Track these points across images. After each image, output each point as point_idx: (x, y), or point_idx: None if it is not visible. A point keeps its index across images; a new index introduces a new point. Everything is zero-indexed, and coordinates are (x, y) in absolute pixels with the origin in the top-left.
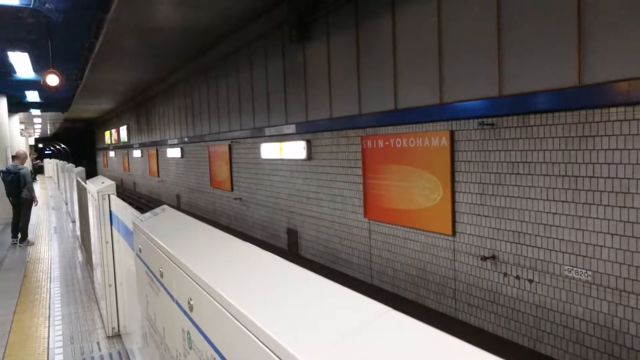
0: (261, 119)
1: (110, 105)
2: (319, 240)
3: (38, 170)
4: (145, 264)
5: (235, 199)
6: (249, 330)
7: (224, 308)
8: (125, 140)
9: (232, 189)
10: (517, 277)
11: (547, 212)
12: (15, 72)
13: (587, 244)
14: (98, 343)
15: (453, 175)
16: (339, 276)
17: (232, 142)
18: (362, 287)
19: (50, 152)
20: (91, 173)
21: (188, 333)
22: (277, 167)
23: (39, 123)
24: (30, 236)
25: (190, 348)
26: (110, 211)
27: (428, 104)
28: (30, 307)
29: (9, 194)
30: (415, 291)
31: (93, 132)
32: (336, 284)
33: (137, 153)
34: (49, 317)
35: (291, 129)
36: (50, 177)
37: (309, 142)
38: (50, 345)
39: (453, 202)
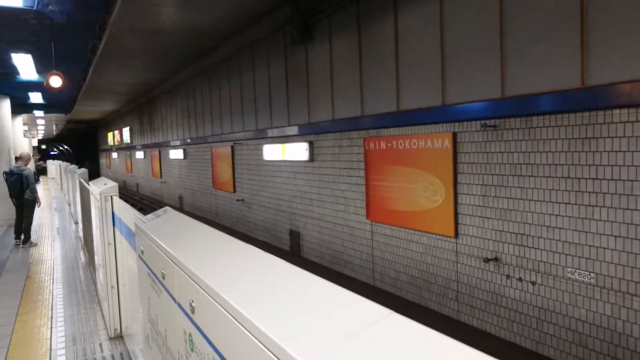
0: (263, 121)
1: (113, 107)
2: (322, 241)
3: (41, 171)
4: (147, 266)
5: (237, 200)
6: (251, 333)
7: (225, 310)
8: (128, 141)
9: (234, 191)
10: (520, 279)
11: (550, 214)
12: (18, 74)
13: (590, 246)
14: (100, 344)
15: (455, 177)
16: (341, 278)
17: (234, 143)
18: (364, 289)
19: (56, 153)
20: (94, 174)
21: (190, 335)
22: (280, 169)
23: (42, 124)
24: (33, 237)
25: (192, 350)
26: (112, 212)
27: (430, 106)
28: (32, 308)
29: (12, 195)
30: (417, 293)
31: (96, 134)
32: (338, 287)
33: (139, 154)
34: (52, 318)
35: (293, 130)
36: (54, 178)
37: (311, 144)
38: (53, 347)
39: (455, 203)
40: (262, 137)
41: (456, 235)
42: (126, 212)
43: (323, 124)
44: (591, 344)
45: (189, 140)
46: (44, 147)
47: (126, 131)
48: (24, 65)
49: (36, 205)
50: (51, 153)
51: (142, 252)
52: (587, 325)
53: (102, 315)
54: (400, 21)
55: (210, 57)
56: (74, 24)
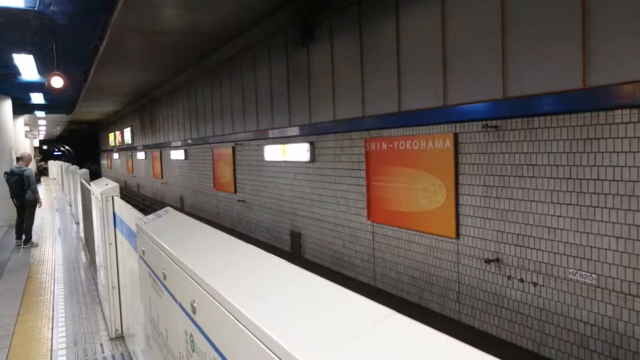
0: (265, 121)
1: (114, 108)
2: (323, 242)
3: (42, 172)
4: (149, 266)
5: (238, 201)
6: (252, 333)
7: (226, 310)
8: (129, 142)
9: (235, 191)
10: (521, 280)
11: (552, 215)
12: (20, 74)
13: (591, 247)
14: (101, 345)
15: (457, 178)
16: (342, 279)
17: (235, 144)
18: (366, 290)
19: (60, 153)
20: (95, 175)
21: (191, 335)
22: (281, 169)
23: (44, 125)
24: (34, 238)
25: (193, 351)
26: (113, 213)
27: (432, 106)
28: (33, 309)
29: (13, 196)
30: (418, 294)
31: (97, 134)
32: (339, 287)
33: (141, 155)
34: (53, 318)
35: (295, 131)
36: (55, 178)
37: (312, 144)
38: (54, 347)
39: (457, 204)
40: (263, 137)
41: (457, 236)
42: (127, 212)
43: (324, 125)
44: (592, 345)
45: (190, 141)
46: (45, 147)
47: (127, 132)
48: (26, 65)
49: (37, 206)
50: (55, 153)
51: (143, 252)
52: (588, 327)
53: (103, 315)
54: (402, 22)
55: (211, 57)
56: (75, 24)
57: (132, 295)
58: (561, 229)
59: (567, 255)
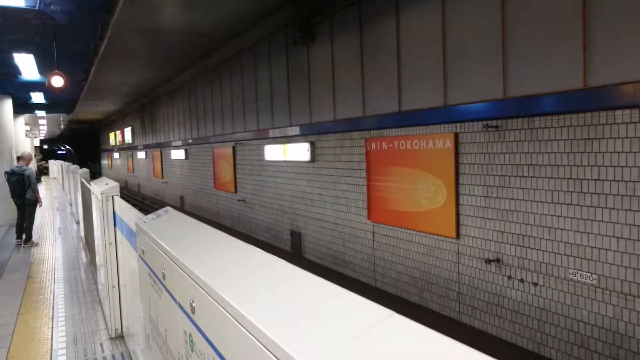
0: (265, 121)
1: (115, 107)
2: (323, 242)
3: (43, 171)
4: (148, 266)
5: (239, 200)
6: (251, 333)
7: (225, 310)
8: (130, 141)
9: (235, 191)
10: (522, 280)
11: (552, 215)
12: (20, 74)
13: (592, 247)
14: (101, 344)
15: (457, 178)
16: (342, 278)
17: (236, 143)
18: (366, 290)
19: (64, 152)
20: (96, 174)
21: (190, 335)
22: (281, 169)
23: (44, 124)
24: (34, 237)
25: (192, 350)
26: (114, 212)
27: (432, 106)
28: (34, 308)
29: (13, 195)
30: (418, 294)
31: (98, 134)
32: (339, 287)
33: (141, 154)
34: (53, 318)
35: (295, 130)
36: (55, 178)
37: (312, 144)
38: (54, 347)
39: (457, 204)
40: (264, 137)
41: (458, 236)
42: (127, 211)
43: (324, 125)
44: (593, 345)
45: (190, 141)
46: (45, 147)
47: (128, 131)
48: (26, 65)
49: (37, 205)
50: (58, 152)
51: (143, 252)
52: (588, 327)
53: (103, 315)
54: (402, 22)
55: (212, 57)
56: (75, 24)
57: (132, 294)
58: (561, 229)
59: (568, 256)
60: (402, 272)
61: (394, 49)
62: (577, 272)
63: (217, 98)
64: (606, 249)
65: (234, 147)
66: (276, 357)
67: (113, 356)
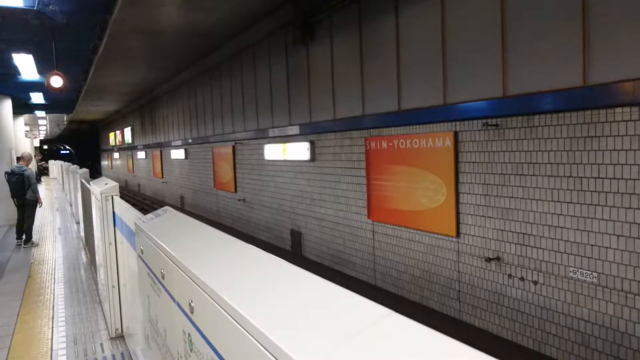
0: (265, 120)
1: (114, 107)
2: (323, 241)
3: (43, 171)
4: (147, 265)
5: (239, 200)
6: (249, 333)
7: (224, 310)
8: (130, 141)
9: (235, 190)
10: (522, 279)
11: (552, 213)
12: (19, 74)
13: (592, 245)
14: (101, 344)
15: (457, 176)
16: (342, 277)
17: (235, 143)
18: (366, 289)
19: (67, 152)
20: (96, 175)
21: (189, 335)
22: (281, 169)
23: (44, 125)
24: (34, 237)
25: (191, 350)
26: (113, 212)
27: (432, 105)
28: (34, 308)
29: (13, 196)
30: (419, 293)
31: (98, 134)
32: (338, 287)
33: (141, 154)
34: (53, 318)
35: (295, 130)
36: (55, 178)
37: (312, 143)
38: (54, 347)
39: (457, 203)
40: (264, 136)
41: (458, 234)
42: (127, 211)
43: (324, 124)
44: (593, 343)
45: (190, 140)
46: (45, 147)
47: (128, 131)
48: (25, 65)
49: (37, 206)
50: (61, 152)
51: (142, 251)
52: (589, 325)
53: (103, 315)
54: (402, 20)
55: (211, 57)
56: (74, 23)
57: (132, 294)
58: (561, 227)
59: (568, 254)
60: (403, 271)
61: (393, 47)
62: (578, 270)
63: (217, 97)
64: (606, 247)
65: (233, 147)
66: (274, 357)
67: (113, 356)
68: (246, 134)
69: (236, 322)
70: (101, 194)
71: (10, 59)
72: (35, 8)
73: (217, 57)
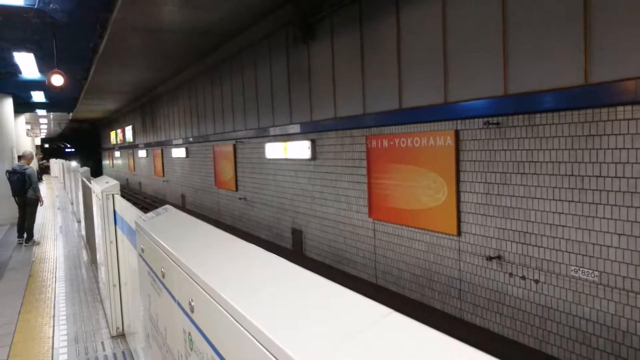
0: (266, 119)
1: (115, 106)
2: (324, 240)
3: (44, 170)
4: (148, 264)
5: (240, 198)
6: (249, 332)
7: (224, 309)
8: (131, 140)
9: (236, 189)
10: (523, 278)
11: (553, 212)
12: (20, 73)
13: (593, 244)
14: (102, 343)
15: (458, 175)
16: (343, 276)
17: (236, 142)
18: (367, 287)
19: (72, 150)
20: (97, 173)
21: (189, 334)
22: (282, 167)
23: (45, 123)
24: (36, 236)
25: (191, 349)
26: (114, 211)
27: (433, 104)
28: (35, 307)
29: (14, 194)
30: (420, 291)
31: (99, 132)
32: (338, 286)
33: (142, 153)
34: (54, 316)
35: (295, 128)
36: (56, 177)
37: (313, 142)
38: (55, 345)
39: (458, 201)
40: (264, 135)
41: (459, 233)
42: (127, 210)
43: (325, 122)
44: (595, 342)
45: (191, 139)
46: (47, 146)
47: (129, 130)
48: (26, 64)
49: (39, 204)
50: (66, 150)
51: (143, 250)
52: (590, 324)
53: (104, 313)
54: (402, 19)
55: (212, 56)
56: (75, 22)
57: (132, 293)
58: (563, 226)
59: (569, 253)
60: (404, 269)
61: (394, 46)
62: (579, 269)
63: (218, 96)
64: (607, 246)
65: (234, 146)
66: (274, 356)
67: (114, 354)
68: (247, 133)
69: (236, 321)
70: (102, 192)
71: (11, 57)
72: (35, 6)
73: (217, 56)
